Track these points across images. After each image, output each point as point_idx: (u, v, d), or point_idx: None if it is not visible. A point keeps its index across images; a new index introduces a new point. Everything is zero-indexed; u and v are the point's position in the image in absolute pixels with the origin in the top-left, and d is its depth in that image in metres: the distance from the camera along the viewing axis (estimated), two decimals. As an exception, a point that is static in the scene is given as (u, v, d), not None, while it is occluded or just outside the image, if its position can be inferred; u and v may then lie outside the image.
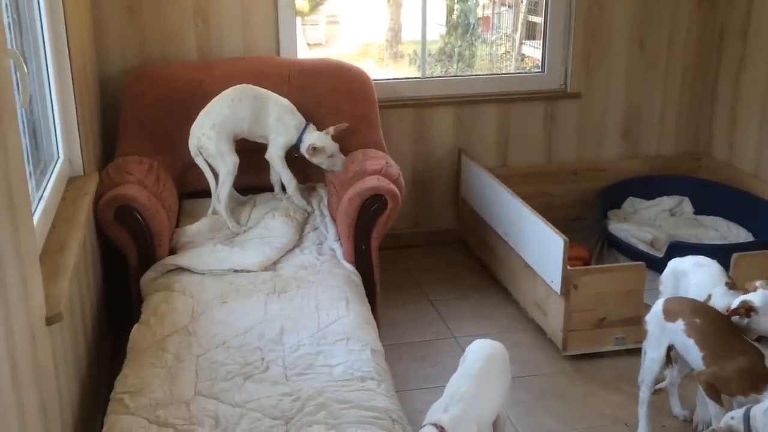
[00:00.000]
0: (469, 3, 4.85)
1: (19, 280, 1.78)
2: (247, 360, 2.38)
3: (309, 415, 2.12)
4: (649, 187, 4.34)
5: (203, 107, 3.27)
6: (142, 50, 3.67)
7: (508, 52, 4.75)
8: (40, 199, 2.47)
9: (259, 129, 3.28)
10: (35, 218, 2.28)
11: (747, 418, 2.22)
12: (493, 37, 4.86)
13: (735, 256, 3.23)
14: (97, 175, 3.04)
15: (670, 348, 2.65)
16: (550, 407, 2.93)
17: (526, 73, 4.57)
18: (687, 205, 4.29)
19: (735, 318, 2.52)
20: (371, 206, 3.05)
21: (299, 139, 3.28)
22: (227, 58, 3.69)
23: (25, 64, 2.36)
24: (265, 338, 2.49)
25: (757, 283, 2.54)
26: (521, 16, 4.88)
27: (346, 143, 3.38)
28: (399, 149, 4.04)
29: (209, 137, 3.20)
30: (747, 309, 2.49)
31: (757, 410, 2.22)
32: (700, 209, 4.25)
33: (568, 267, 3.11)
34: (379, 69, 4.80)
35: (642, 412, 2.72)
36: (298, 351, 2.42)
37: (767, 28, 3.98)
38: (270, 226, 3.20)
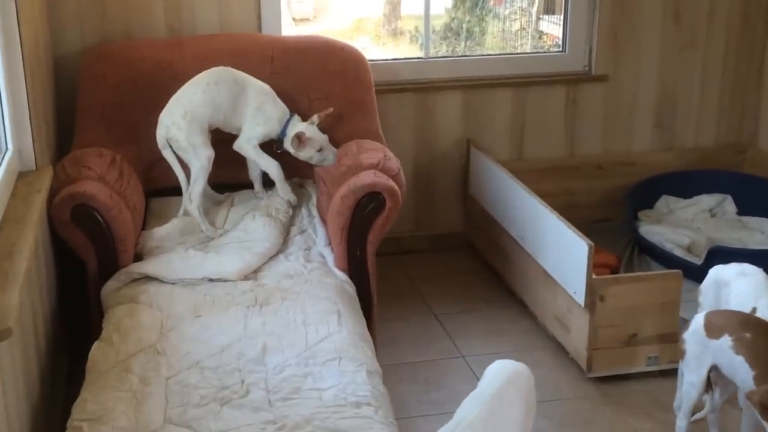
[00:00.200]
0: (479, -28, 4.86)
1: (-39, 290, 1.77)
2: (225, 383, 2.38)
3: (296, 445, 2.12)
4: (686, 183, 4.35)
5: (173, 91, 3.27)
6: (103, 26, 3.66)
7: (524, 28, 4.75)
8: (-15, 197, 2.47)
9: (235, 119, 3.28)
10: (-20, 219, 2.28)
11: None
12: (507, 12, 4.86)
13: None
14: (51, 170, 3.03)
15: (711, 369, 2.65)
16: (572, 437, 2.94)
17: (544, 52, 4.57)
18: (729, 205, 4.30)
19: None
20: (367, 206, 3.05)
21: (282, 133, 3.28)
22: (200, 35, 3.69)
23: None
24: (244, 358, 2.49)
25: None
26: (539, -13, 4.89)
27: (337, 133, 3.38)
28: (399, 140, 4.04)
29: (180, 127, 3.20)
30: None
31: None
32: (744, 209, 4.27)
33: (594, 275, 3.12)
34: (376, 48, 4.79)
35: (678, 442, 2.73)
36: (282, 372, 2.42)
37: (822, 1, 4.00)
38: (250, 228, 3.20)
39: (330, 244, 3.17)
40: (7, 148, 2.85)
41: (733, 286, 2.80)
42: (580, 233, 3.18)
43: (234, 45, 3.56)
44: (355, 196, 3.04)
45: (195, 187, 3.22)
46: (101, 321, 2.77)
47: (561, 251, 3.29)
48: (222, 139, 3.32)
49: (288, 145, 3.25)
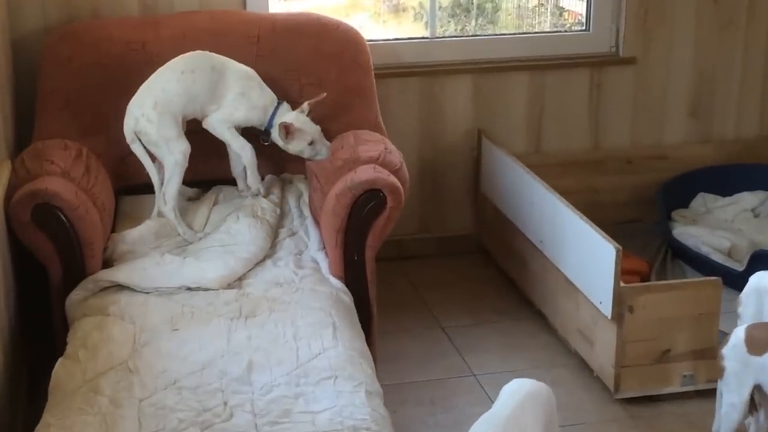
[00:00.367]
0: (491, -60, 4.87)
1: None
2: (206, 405, 2.38)
3: (286, 475, 2.13)
4: (726, 179, 4.35)
5: (147, 76, 3.28)
6: (68, 2, 3.66)
7: (542, 4, 4.75)
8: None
9: (213, 109, 3.29)
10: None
11: None
12: (523, -15, 4.87)
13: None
14: (9, 164, 3.03)
15: (754, 389, 2.65)
16: (597, 465, 2.95)
17: (565, 31, 4.57)
18: (774, 204, 4.31)
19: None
20: (366, 205, 3.05)
21: (269, 123, 3.28)
22: (178, 13, 3.69)
23: None
24: (228, 376, 2.49)
25: None
26: (559, -43, 4.89)
27: (332, 123, 3.39)
28: (402, 131, 4.04)
29: (150, 119, 3.20)
30: None
31: None
32: (791, 208, 4.28)
33: (622, 283, 3.12)
34: (376, 26, 4.79)
35: (717, 471, 2.74)
36: (271, 393, 2.42)
37: None
38: (233, 230, 3.20)
39: (324, 248, 3.18)
40: (-41, 140, 2.85)
41: (779, 295, 2.80)
42: (606, 236, 3.18)
43: (215, 24, 3.56)
44: (353, 194, 3.04)
45: (169, 187, 3.22)
46: (66, 335, 2.77)
47: (585, 256, 3.29)
48: (199, 129, 3.32)
49: (276, 136, 3.26)
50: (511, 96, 4.23)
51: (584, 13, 4.32)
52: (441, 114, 4.19)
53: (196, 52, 3.30)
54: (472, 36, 4.43)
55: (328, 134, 3.32)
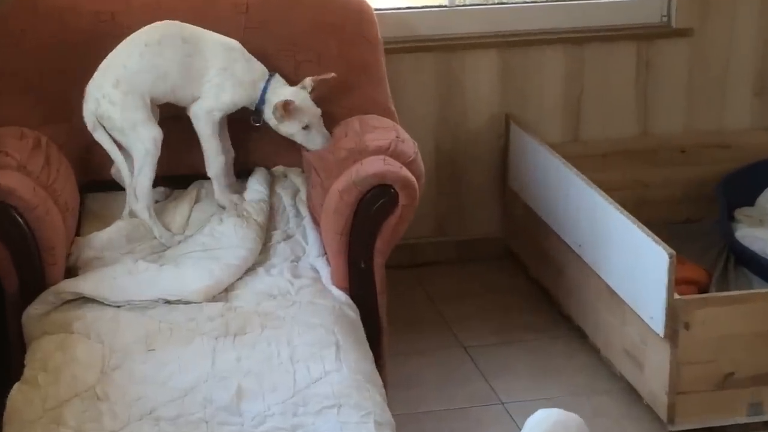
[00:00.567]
0: None
1: None
2: (187, 438, 2.38)
3: None
4: (799, 172, 4.35)
5: (114, 53, 3.31)
6: (24, -34, 3.67)
7: (581, -34, 4.75)
8: None
9: (191, 87, 3.29)
10: None
11: None
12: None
13: None
14: (-44, 156, 3.03)
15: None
16: None
17: (608, -2, 4.56)
18: None
19: None
20: (374, 202, 3.05)
21: (261, 100, 3.28)
22: (153, -22, 3.70)
23: None
24: (213, 405, 2.48)
25: None
26: None
27: (335, 107, 3.38)
28: (416, 115, 4.04)
29: (112, 101, 3.20)
30: None
31: None
32: None
33: (676, 295, 3.11)
34: (384, -7, 4.80)
35: None
36: (264, 424, 2.42)
37: None
38: (218, 232, 3.20)
39: (325, 253, 3.17)
40: None
41: None
42: (657, 239, 3.17)
43: (196, -9, 3.57)
44: (358, 190, 3.04)
45: (141, 180, 3.22)
46: (23, 356, 2.77)
47: (632, 262, 3.28)
48: (176, 115, 3.32)
49: (269, 114, 3.25)
50: (544, 74, 4.22)
51: (630, -23, 4.32)
52: (462, 96, 4.18)
53: (163, 21, 3.30)
54: (498, 4, 4.41)
55: (330, 120, 3.32)
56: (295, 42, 3.52)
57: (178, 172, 3.42)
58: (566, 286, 3.78)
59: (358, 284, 3.07)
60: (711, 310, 3.13)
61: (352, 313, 2.98)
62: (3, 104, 3.39)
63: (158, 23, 3.30)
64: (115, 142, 3.25)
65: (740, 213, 4.23)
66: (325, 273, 3.11)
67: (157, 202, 3.36)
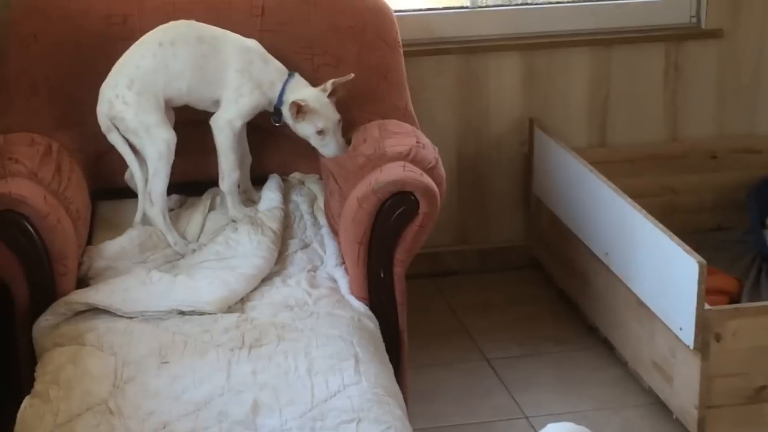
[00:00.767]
0: None
1: None
2: (201, 454, 2.38)
3: None
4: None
5: (128, 57, 3.32)
6: (35, -31, 3.68)
7: (607, -34, 4.74)
8: None
9: (208, 89, 3.29)
10: None
11: None
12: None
13: None
14: (-35, 164, 3.04)
15: None
16: None
17: (635, -1, 4.55)
18: None
19: None
20: (394, 210, 3.04)
21: (279, 100, 3.28)
22: (166, -20, 3.70)
23: None
24: (229, 419, 2.47)
25: None
26: None
27: (353, 111, 3.38)
28: (437, 120, 4.05)
29: (126, 101, 3.21)
30: None
31: None
32: None
33: (707, 305, 3.09)
34: (405, -6, 4.81)
35: None
36: (280, 439, 2.42)
37: None
38: (233, 240, 3.21)
39: (343, 263, 3.17)
40: None
41: None
42: (687, 247, 3.16)
43: (211, -6, 3.58)
44: (378, 198, 3.03)
45: (155, 184, 3.23)
46: (34, 369, 2.77)
47: (661, 272, 3.27)
48: (192, 120, 3.33)
49: (287, 114, 3.25)
50: (569, 77, 4.23)
51: (658, -23, 4.31)
52: (484, 100, 4.19)
53: (178, 21, 3.32)
54: (521, 5, 4.42)
55: (349, 125, 3.32)
56: (313, 45, 3.52)
57: (193, 178, 3.43)
58: (593, 297, 3.78)
59: (378, 294, 3.07)
60: (743, 321, 3.13)
61: (372, 324, 2.98)
62: (14, 109, 3.41)
63: (173, 22, 3.31)
64: (130, 145, 3.26)
65: (773, 220, 4.23)
66: (343, 283, 3.11)
67: (171, 210, 3.37)
